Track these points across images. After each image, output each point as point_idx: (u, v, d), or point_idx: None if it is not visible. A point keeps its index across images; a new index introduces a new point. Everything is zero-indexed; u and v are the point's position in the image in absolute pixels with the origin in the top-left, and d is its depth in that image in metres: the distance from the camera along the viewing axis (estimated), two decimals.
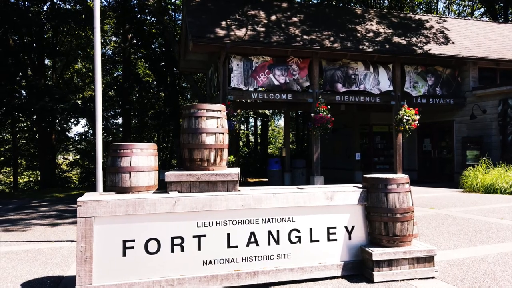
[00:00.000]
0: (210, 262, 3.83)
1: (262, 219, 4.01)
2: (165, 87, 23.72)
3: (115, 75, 28.29)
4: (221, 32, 12.68)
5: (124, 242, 3.60)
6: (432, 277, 4.12)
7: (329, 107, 13.02)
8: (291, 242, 4.09)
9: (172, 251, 3.73)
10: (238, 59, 12.81)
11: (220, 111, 4.38)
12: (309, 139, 19.53)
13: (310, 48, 12.96)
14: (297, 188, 4.64)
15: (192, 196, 3.78)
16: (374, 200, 4.25)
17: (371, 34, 14.74)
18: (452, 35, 16.20)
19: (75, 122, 26.70)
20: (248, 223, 3.97)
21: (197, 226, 3.81)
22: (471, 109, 14.51)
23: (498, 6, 26.53)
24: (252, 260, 3.95)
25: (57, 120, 20.85)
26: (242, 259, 3.93)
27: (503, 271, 4.29)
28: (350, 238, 4.28)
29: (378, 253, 4.05)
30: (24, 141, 25.75)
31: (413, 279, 4.08)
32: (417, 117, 13.49)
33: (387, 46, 14.03)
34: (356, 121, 18.10)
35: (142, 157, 4.10)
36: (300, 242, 4.11)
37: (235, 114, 12.54)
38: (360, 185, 4.56)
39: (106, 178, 4.13)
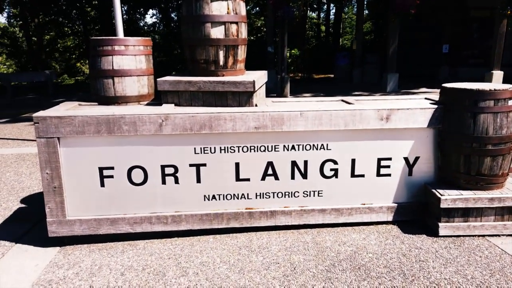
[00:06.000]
0: (214, 197, 2.97)
1: (285, 146, 2.94)
2: None
3: None
4: None
5: (101, 169, 2.82)
6: None
7: None
8: (324, 177, 3.02)
9: (164, 182, 2.90)
10: None
11: None
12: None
13: None
14: (341, 101, 3.38)
15: (185, 114, 2.77)
16: (455, 122, 2.88)
17: None
18: None
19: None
20: (265, 151, 2.93)
21: (195, 153, 2.88)
22: None
23: None
24: (269, 197, 3.01)
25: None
26: (256, 196, 3.00)
27: None
28: (410, 173, 3.08)
29: (450, 199, 2.84)
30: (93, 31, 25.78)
31: (498, 235, 2.89)
32: None
33: None
34: (450, 3, 14.78)
35: (128, 57, 3.07)
36: (336, 177, 3.03)
37: None
38: (434, 100, 3.15)
39: (90, 84, 3.24)
